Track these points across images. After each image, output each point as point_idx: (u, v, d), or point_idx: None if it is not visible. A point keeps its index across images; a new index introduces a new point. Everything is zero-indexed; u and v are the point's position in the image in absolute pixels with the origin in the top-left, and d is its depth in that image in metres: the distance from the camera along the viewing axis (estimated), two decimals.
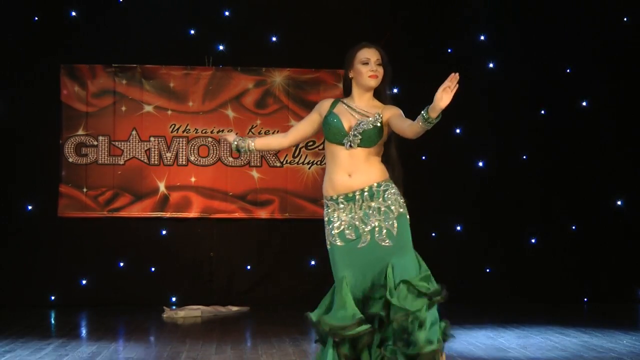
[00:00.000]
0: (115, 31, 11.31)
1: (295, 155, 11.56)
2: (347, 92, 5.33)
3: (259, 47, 11.51)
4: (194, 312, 10.67)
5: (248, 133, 11.44)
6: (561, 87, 11.78)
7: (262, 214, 11.54)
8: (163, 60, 11.45)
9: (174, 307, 10.89)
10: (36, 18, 11.19)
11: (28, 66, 11.20)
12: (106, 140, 11.33)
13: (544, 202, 11.84)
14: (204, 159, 11.45)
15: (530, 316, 10.34)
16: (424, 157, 11.44)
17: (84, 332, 9.46)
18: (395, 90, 11.34)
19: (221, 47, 11.53)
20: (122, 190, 11.34)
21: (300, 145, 11.50)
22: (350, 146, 5.10)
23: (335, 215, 5.14)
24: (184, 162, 11.42)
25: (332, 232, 5.11)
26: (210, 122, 11.48)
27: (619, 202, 11.87)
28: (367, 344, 4.98)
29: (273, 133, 11.39)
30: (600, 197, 11.87)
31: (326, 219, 5.20)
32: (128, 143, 11.36)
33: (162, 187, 11.36)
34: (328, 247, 5.16)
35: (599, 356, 7.70)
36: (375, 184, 5.12)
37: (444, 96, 4.63)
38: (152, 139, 11.39)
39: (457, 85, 4.67)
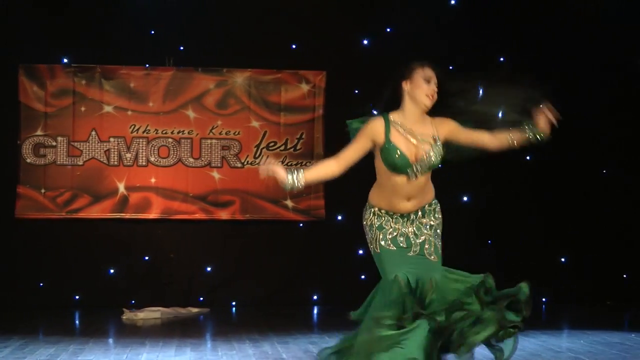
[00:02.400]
0: (75, 31, 11.17)
1: (257, 155, 11.50)
2: (394, 103, 5.15)
3: (220, 48, 11.47)
4: (153, 313, 10.60)
5: (209, 133, 11.42)
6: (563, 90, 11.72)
7: (223, 215, 11.49)
8: (123, 60, 11.36)
9: (133, 309, 10.77)
10: None
11: None
12: (65, 141, 11.23)
13: (494, 203, 11.77)
14: (164, 160, 11.39)
15: None
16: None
17: (42, 333, 9.34)
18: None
19: (182, 48, 11.46)
20: (81, 191, 11.23)
21: (262, 146, 11.48)
22: (415, 177, 5.08)
23: (389, 224, 5.16)
24: (143, 163, 11.35)
25: (386, 237, 5.11)
26: (171, 123, 11.42)
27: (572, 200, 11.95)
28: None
29: (234, 134, 11.44)
30: (545, 197, 11.95)
31: (377, 224, 5.16)
32: (87, 144, 11.26)
33: (121, 187, 11.27)
34: (377, 250, 5.13)
35: (556, 356, 7.73)
36: (427, 204, 5.22)
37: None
38: (111, 139, 11.30)
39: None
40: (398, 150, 5.00)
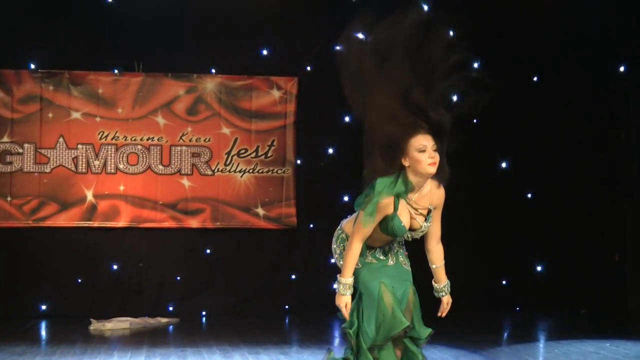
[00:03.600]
0: (42, 36, 11.04)
1: (227, 163, 11.42)
2: (387, 172, 5.03)
3: (191, 53, 11.37)
4: (122, 323, 10.42)
5: (179, 140, 11.34)
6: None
7: (193, 223, 11.38)
8: (91, 65, 11.22)
9: (101, 319, 10.51)
10: None
11: None
12: (32, 148, 11.06)
13: (467, 211, 11.66)
14: (133, 167, 11.26)
15: (463, 326, 10.23)
16: None
17: (7, 344, 9.13)
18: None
19: (152, 53, 11.30)
20: (48, 199, 11.06)
21: (233, 153, 11.41)
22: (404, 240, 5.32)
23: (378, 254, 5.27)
24: (112, 170, 11.22)
25: (365, 253, 5.17)
26: (140, 129, 11.29)
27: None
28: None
29: (204, 141, 11.36)
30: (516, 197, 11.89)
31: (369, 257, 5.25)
32: (55, 151, 11.11)
33: (89, 195, 11.13)
34: (357, 265, 5.13)
35: None
36: None
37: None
38: (79, 146, 11.16)
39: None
40: (401, 223, 5.05)
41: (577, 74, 11.76)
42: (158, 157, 11.34)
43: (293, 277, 11.50)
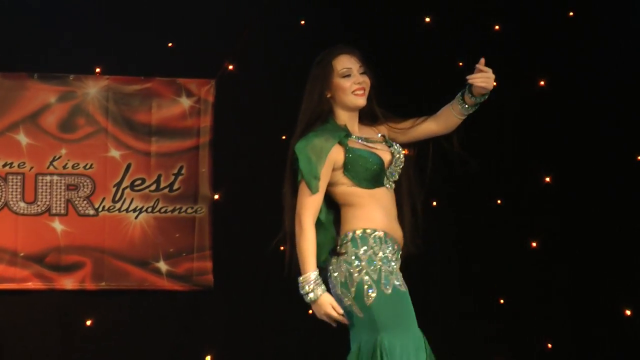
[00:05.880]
0: None
1: (117, 199, 9.39)
2: (317, 117, 4.76)
3: (66, 45, 9.41)
4: None
5: (49, 167, 9.31)
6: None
7: (68, 283, 9.28)
8: None
9: None
10: None
11: None
12: None
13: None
14: None
15: None
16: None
17: None
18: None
19: (11, 45, 9.33)
20: None
21: (124, 185, 9.41)
22: (392, 184, 4.91)
23: (389, 253, 4.64)
24: None
25: (393, 274, 4.64)
26: None
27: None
28: None
29: (85, 167, 9.44)
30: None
31: (379, 255, 4.63)
32: None
33: None
34: (387, 292, 4.60)
35: None
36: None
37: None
38: None
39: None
40: (365, 152, 4.69)
41: (593, 79, 9.83)
42: (19, 190, 9.31)
43: (208, 358, 9.50)
